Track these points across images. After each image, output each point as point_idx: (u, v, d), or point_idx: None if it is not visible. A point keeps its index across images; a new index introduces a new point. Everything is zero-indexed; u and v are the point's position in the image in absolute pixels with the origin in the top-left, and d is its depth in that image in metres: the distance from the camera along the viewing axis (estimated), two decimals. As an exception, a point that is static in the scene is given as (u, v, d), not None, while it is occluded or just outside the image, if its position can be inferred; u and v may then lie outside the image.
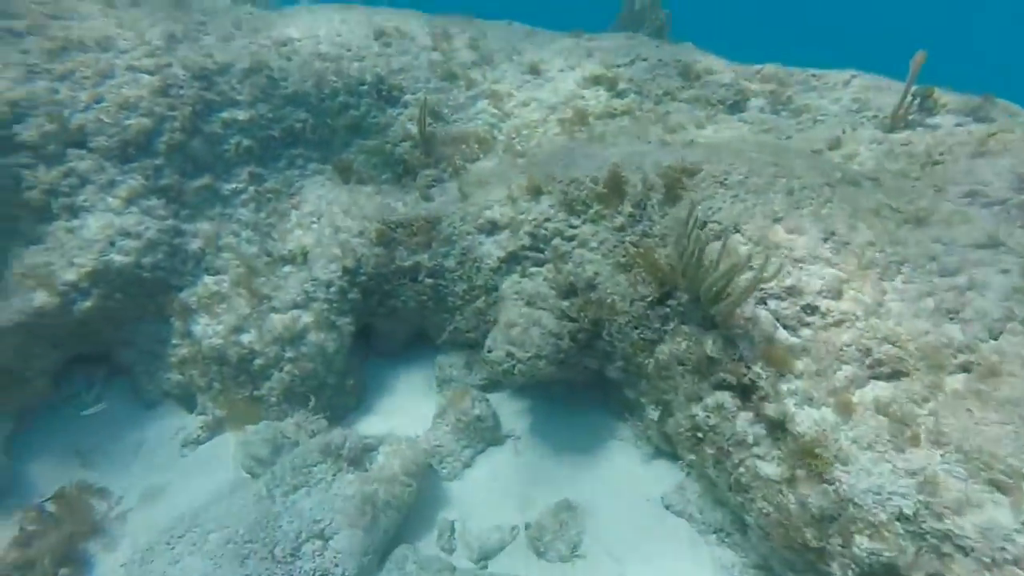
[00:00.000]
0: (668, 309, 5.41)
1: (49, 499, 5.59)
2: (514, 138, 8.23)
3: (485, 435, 6.37)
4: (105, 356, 6.57)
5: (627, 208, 5.94)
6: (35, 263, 5.94)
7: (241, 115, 7.28)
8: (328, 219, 7.01)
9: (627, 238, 5.87)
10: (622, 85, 8.46)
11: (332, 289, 6.50)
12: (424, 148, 8.04)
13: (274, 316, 6.32)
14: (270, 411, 6.36)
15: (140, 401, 6.63)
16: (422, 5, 10.45)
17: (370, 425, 6.70)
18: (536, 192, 6.39)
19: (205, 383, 6.37)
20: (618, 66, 8.69)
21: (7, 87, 6.08)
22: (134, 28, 7.13)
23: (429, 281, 6.69)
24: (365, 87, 8.16)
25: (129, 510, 5.81)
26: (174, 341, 6.39)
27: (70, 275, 5.90)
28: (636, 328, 5.55)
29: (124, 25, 7.11)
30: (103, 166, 6.35)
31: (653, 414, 5.66)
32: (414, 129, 8.20)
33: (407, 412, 6.85)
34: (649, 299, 5.50)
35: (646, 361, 5.56)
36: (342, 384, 6.61)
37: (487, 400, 6.58)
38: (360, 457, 5.78)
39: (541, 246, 6.30)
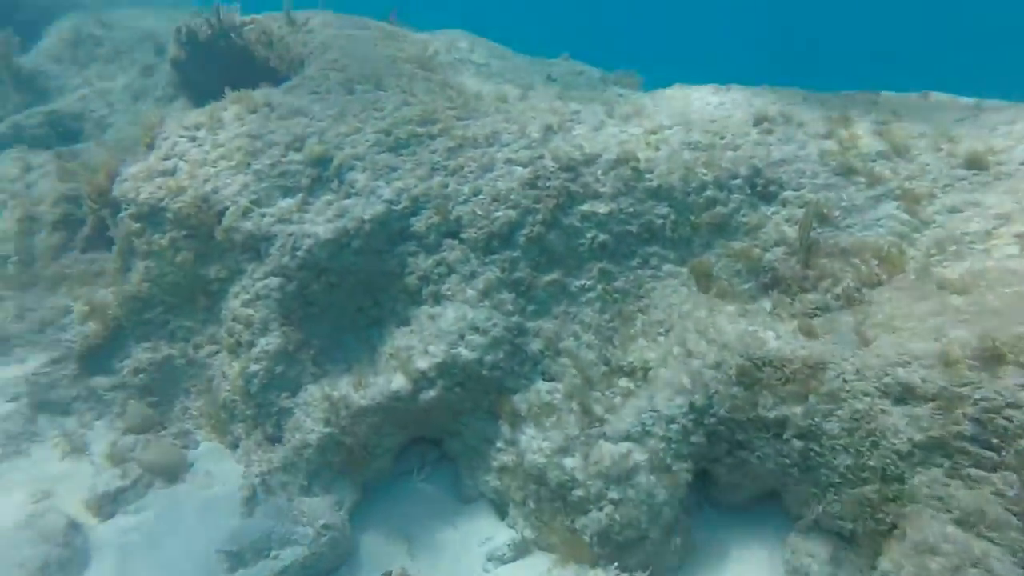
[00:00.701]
0: None
1: None
2: (935, 256, 6.11)
3: None
4: (437, 441, 6.67)
5: None
6: (400, 345, 6.30)
7: (601, 208, 6.86)
8: (678, 336, 6.04)
9: None
10: None
11: (674, 427, 5.46)
12: (804, 258, 6.52)
13: (603, 445, 5.56)
14: (582, 549, 5.57)
15: (459, 493, 6.54)
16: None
17: (691, 600, 5.42)
18: (994, 358, 4.37)
19: (520, 498, 5.93)
20: None
21: (414, 184, 6.69)
22: (518, 122, 7.35)
23: (798, 443, 5.13)
24: (738, 181, 7.04)
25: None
26: (499, 445, 6.12)
27: (423, 363, 6.08)
28: None
29: (511, 119, 7.39)
30: (469, 257, 6.51)
31: None
32: (792, 233, 6.73)
33: (740, 596, 5.38)
34: None
35: None
36: (666, 540, 5.47)
37: (861, 628, 4.70)
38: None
39: (994, 441, 4.24)
